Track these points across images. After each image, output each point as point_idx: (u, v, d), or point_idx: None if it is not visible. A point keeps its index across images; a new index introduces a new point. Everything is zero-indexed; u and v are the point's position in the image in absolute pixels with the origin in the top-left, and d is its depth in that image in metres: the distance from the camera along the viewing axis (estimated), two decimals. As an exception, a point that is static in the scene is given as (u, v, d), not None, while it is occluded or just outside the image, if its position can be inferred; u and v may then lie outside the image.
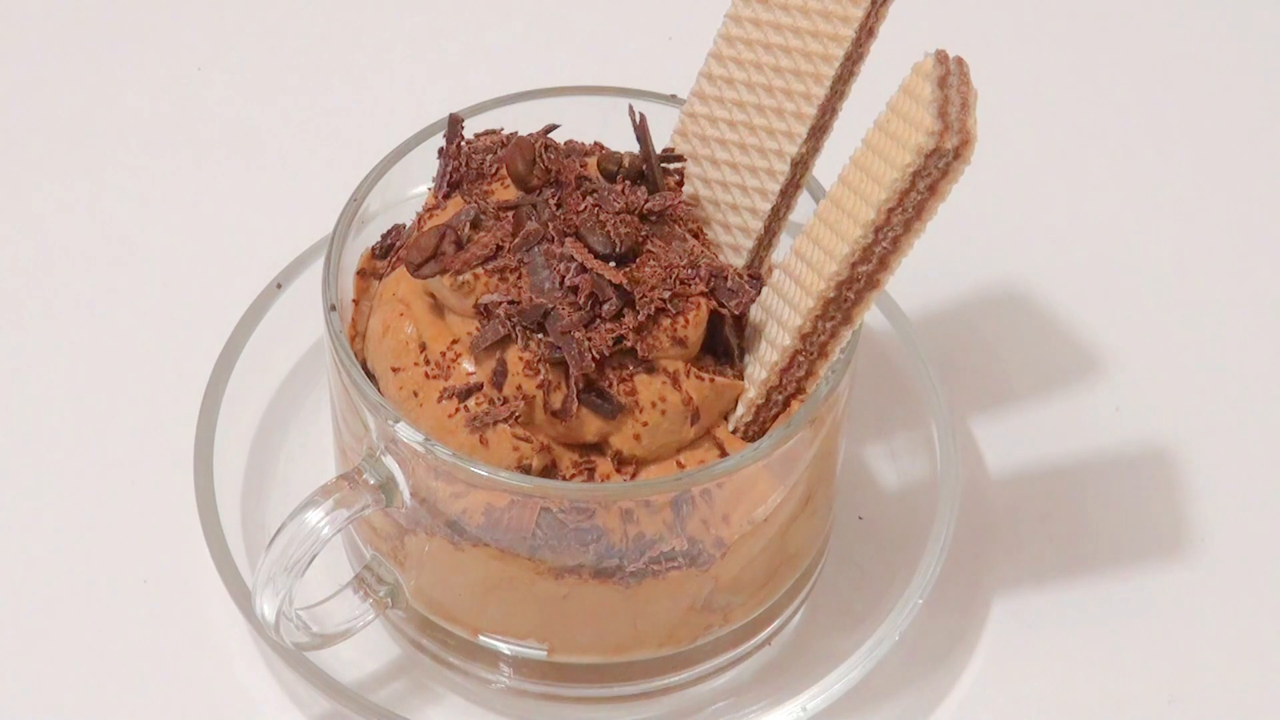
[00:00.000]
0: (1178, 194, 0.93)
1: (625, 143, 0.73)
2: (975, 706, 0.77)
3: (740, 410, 0.70)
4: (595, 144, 0.74)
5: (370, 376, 0.71)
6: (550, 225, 0.69)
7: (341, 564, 0.77)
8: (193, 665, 0.77)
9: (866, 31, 0.70)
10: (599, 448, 0.69)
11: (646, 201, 0.70)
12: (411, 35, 0.98)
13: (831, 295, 0.68)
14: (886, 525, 0.80)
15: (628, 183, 0.71)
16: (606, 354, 0.68)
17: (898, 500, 0.81)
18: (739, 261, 0.73)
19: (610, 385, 0.68)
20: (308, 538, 0.69)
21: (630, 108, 0.73)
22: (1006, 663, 0.78)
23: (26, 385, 0.84)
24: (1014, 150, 0.93)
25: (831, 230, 0.67)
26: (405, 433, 0.68)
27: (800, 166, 0.72)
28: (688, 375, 0.69)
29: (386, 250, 0.75)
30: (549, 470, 0.69)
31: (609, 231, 0.69)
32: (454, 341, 0.69)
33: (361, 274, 0.75)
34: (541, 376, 0.68)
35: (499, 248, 0.69)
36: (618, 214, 0.70)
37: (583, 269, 0.68)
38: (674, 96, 0.75)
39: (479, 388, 0.69)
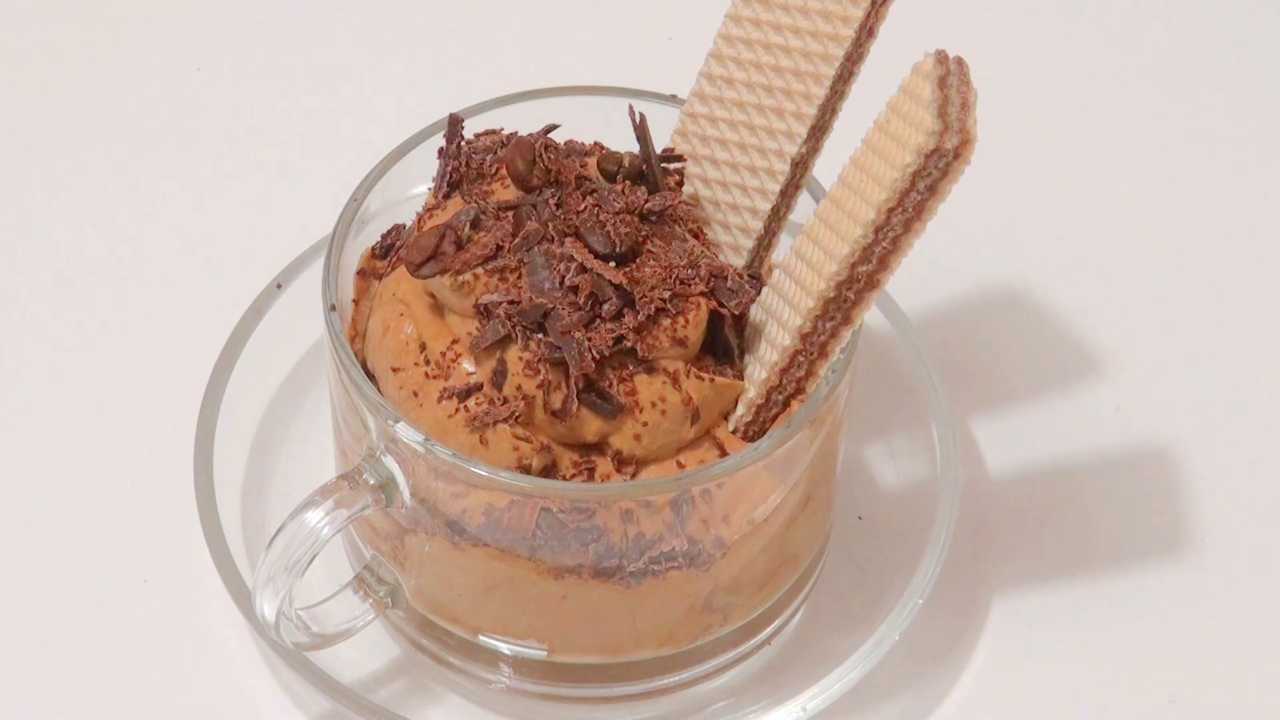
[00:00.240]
0: (1178, 194, 0.93)
1: (625, 143, 0.73)
2: (975, 706, 0.76)
3: (740, 410, 0.70)
4: (595, 144, 0.74)
5: (370, 376, 0.71)
6: (550, 225, 0.69)
7: (341, 564, 0.77)
8: (193, 665, 0.77)
9: (866, 31, 0.70)
10: (599, 448, 0.69)
11: (646, 201, 0.70)
12: (411, 35, 0.98)
13: (831, 295, 0.68)
14: (886, 525, 0.80)
15: (628, 183, 0.71)
16: (606, 354, 0.68)
17: (898, 500, 0.81)
18: (739, 261, 0.73)
19: (610, 385, 0.68)
20: (308, 538, 0.69)
21: (630, 108, 0.73)
22: (1006, 663, 0.77)
23: (26, 385, 0.84)
24: (1014, 150, 0.93)
25: (831, 230, 0.67)
26: (405, 433, 0.68)
27: (800, 166, 0.72)
28: (688, 375, 0.69)
29: (386, 250, 0.75)
30: (549, 470, 0.69)
31: (609, 231, 0.69)
32: (454, 341, 0.69)
33: (361, 274, 0.75)
34: (541, 376, 0.68)
35: (499, 248, 0.69)
36: (618, 214, 0.70)
37: (583, 269, 0.68)
38: (674, 96, 0.75)
39: (479, 388, 0.69)
